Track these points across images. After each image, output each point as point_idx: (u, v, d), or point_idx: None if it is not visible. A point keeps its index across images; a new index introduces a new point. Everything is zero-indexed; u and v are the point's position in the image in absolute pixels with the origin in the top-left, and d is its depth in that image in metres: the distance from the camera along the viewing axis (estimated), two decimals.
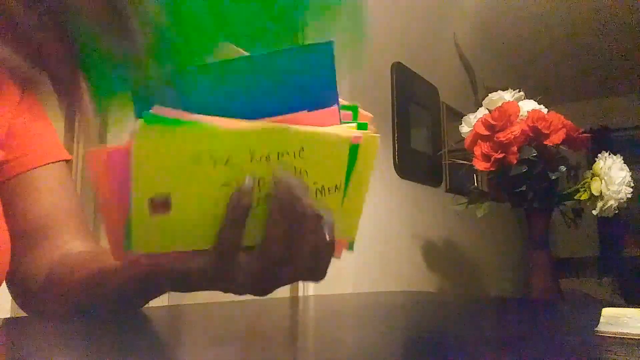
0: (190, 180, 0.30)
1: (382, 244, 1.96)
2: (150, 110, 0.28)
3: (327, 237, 0.32)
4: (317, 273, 0.35)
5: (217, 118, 0.30)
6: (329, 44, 0.31)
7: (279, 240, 0.33)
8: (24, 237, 0.56)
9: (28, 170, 0.57)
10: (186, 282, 0.37)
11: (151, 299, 0.50)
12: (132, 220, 0.30)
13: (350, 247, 0.39)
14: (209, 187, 0.31)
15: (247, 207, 0.32)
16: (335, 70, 0.32)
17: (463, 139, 1.66)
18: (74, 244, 0.57)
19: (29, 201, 0.56)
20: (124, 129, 0.30)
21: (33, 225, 0.56)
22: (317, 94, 0.33)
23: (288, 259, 0.34)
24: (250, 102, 0.31)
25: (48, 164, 0.59)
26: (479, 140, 1.56)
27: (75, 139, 3.03)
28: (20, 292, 0.57)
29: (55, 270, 0.55)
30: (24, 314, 0.58)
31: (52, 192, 0.58)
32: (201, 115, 0.29)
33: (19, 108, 0.60)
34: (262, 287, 0.35)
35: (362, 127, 0.35)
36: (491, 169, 1.51)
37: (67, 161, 0.63)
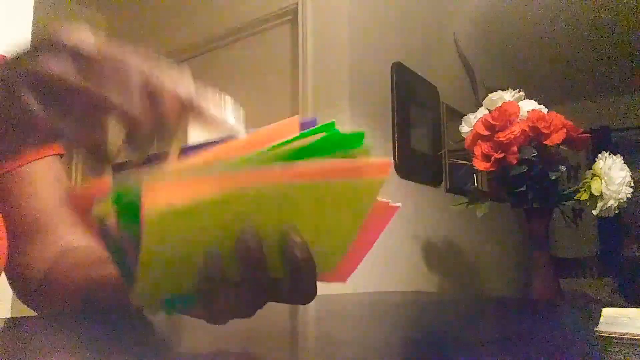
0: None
1: (382, 244, 1.96)
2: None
3: (299, 255, 0.29)
4: (299, 296, 0.32)
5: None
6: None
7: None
8: (19, 232, 0.56)
9: (22, 165, 0.57)
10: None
11: None
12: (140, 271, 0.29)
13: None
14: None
15: (217, 273, 0.29)
16: None
17: (463, 139, 1.66)
18: (70, 238, 0.57)
19: (23, 195, 0.57)
20: None
21: (28, 220, 0.56)
22: None
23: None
24: None
25: (41, 158, 0.59)
26: (479, 140, 1.56)
27: None
28: (20, 286, 0.58)
29: (54, 267, 0.55)
30: (23, 315, 0.58)
31: (46, 186, 0.58)
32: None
33: None
34: (242, 314, 0.33)
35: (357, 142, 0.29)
36: (491, 169, 1.51)
37: (60, 155, 0.63)
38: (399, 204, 0.32)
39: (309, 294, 0.31)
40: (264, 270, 0.29)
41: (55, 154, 0.61)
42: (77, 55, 0.27)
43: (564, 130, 1.50)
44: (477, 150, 1.55)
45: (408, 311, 0.74)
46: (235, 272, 0.29)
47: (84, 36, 0.28)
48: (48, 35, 0.28)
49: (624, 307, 0.40)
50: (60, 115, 0.27)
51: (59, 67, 0.27)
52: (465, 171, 1.81)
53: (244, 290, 0.30)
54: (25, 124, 0.28)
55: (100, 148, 0.29)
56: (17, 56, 0.29)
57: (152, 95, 0.28)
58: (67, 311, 0.53)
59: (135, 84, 0.28)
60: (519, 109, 1.53)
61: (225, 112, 0.29)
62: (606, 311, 0.38)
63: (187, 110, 0.29)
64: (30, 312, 0.58)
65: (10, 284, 0.58)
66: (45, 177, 0.58)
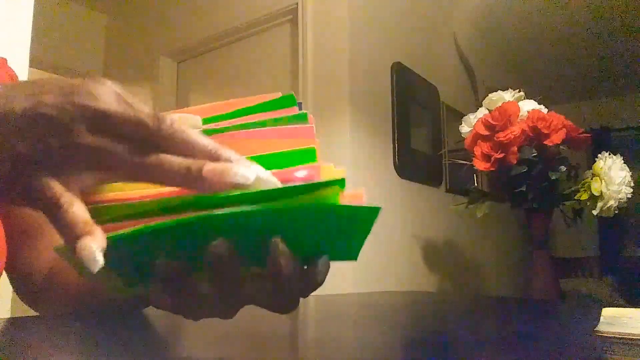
0: None
1: (382, 244, 1.96)
2: None
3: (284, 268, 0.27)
4: (278, 306, 0.30)
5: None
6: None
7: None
8: (21, 233, 0.56)
9: None
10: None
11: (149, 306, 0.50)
12: None
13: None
14: None
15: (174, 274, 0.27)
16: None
17: (463, 139, 1.66)
18: None
19: None
20: None
21: (30, 221, 0.57)
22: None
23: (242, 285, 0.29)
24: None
25: None
26: (479, 140, 1.56)
27: None
28: (22, 288, 0.58)
29: (55, 267, 0.55)
30: (23, 315, 0.58)
31: None
32: None
33: None
34: (216, 314, 0.31)
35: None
36: (491, 169, 1.51)
37: None
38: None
39: (289, 306, 0.30)
40: (237, 272, 0.27)
41: None
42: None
43: (564, 130, 1.50)
44: (477, 150, 1.55)
45: (408, 311, 0.74)
46: (204, 281, 0.28)
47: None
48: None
49: (624, 307, 0.40)
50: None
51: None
52: (465, 171, 1.81)
53: (214, 292, 0.28)
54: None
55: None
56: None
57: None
58: (68, 311, 0.53)
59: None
60: (519, 109, 1.53)
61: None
62: (606, 311, 0.38)
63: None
64: (30, 312, 0.58)
65: (13, 284, 0.58)
66: None
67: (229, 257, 0.26)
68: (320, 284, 0.29)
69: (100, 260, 0.24)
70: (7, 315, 1.14)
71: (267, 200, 0.26)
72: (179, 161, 0.26)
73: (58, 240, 0.59)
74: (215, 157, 0.26)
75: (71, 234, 0.25)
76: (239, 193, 0.26)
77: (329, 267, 0.29)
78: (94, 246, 0.25)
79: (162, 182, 0.27)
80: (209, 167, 0.26)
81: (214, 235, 0.26)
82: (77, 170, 0.26)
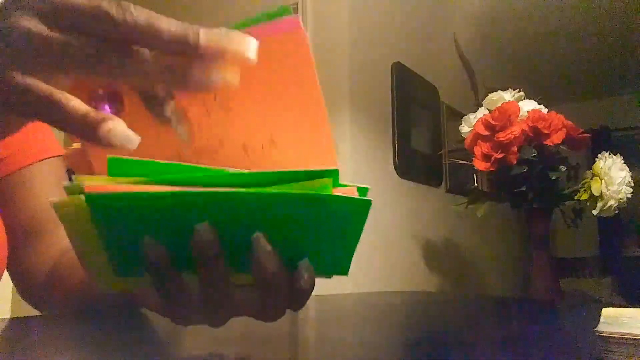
0: None
1: (382, 244, 1.96)
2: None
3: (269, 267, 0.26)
4: (263, 312, 0.29)
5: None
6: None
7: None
8: (22, 233, 0.56)
9: (24, 167, 0.57)
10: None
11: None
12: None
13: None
14: None
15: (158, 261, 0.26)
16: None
17: (463, 139, 1.66)
18: None
19: (25, 197, 0.57)
20: None
21: (30, 221, 0.57)
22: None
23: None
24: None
25: (43, 159, 0.59)
26: (479, 140, 1.56)
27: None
28: (24, 286, 0.58)
29: (56, 267, 0.55)
30: (23, 315, 0.58)
31: (47, 187, 0.58)
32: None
33: None
34: (204, 319, 0.30)
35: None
36: (491, 169, 1.51)
37: (62, 156, 0.63)
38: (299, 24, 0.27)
39: (275, 313, 0.29)
40: (223, 271, 0.26)
41: (57, 155, 0.61)
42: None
43: (564, 130, 1.50)
44: (477, 150, 1.55)
45: (408, 311, 0.74)
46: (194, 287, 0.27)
47: None
48: None
49: (624, 307, 0.40)
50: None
51: None
52: (465, 171, 1.81)
53: (203, 292, 0.27)
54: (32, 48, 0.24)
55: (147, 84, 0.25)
56: None
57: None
58: (68, 311, 0.53)
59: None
60: (519, 109, 1.53)
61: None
62: (606, 311, 0.38)
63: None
64: (30, 312, 0.58)
65: (15, 283, 0.59)
66: (46, 179, 0.59)
67: (214, 245, 0.25)
68: (306, 289, 0.28)
69: (133, 135, 0.22)
70: (7, 315, 1.15)
71: (254, 185, 0.24)
72: (155, 56, 0.24)
73: (60, 239, 0.59)
74: (189, 41, 0.25)
75: (86, 125, 0.22)
76: (224, 173, 0.25)
77: (312, 271, 0.28)
78: (119, 125, 0.22)
79: (143, 77, 0.25)
80: (193, 72, 0.24)
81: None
82: (48, 71, 0.24)
